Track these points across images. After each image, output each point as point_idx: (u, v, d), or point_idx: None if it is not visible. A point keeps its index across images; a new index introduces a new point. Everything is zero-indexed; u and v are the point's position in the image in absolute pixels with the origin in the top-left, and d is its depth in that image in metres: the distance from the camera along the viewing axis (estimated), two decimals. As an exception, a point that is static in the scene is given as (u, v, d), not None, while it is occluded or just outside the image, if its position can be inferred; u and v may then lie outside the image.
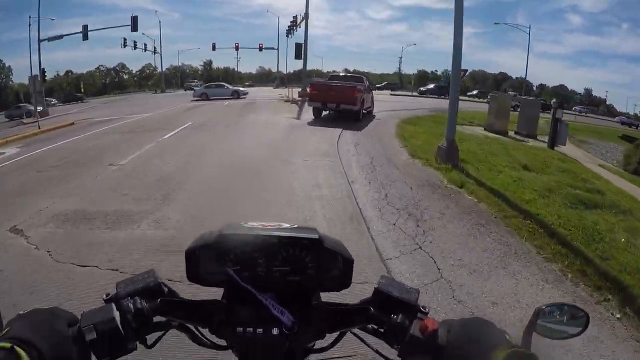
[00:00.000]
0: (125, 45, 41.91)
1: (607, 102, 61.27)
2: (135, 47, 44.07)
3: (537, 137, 13.02)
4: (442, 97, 34.67)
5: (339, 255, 0.63)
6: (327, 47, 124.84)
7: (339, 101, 12.26)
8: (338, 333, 0.65)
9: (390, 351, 0.59)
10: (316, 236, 0.62)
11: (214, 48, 41.42)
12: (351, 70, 70.36)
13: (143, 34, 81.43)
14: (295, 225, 0.65)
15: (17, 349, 0.45)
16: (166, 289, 0.61)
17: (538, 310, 0.58)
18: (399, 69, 64.85)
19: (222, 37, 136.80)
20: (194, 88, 31.58)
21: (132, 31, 30.55)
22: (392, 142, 9.45)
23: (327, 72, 72.69)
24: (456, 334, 0.54)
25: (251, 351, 0.59)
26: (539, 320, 0.58)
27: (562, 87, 63.26)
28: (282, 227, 0.64)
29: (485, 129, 13.33)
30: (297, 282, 0.63)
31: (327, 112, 13.86)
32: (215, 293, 0.63)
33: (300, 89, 22.21)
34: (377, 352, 0.63)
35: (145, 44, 47.48)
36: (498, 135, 12.34)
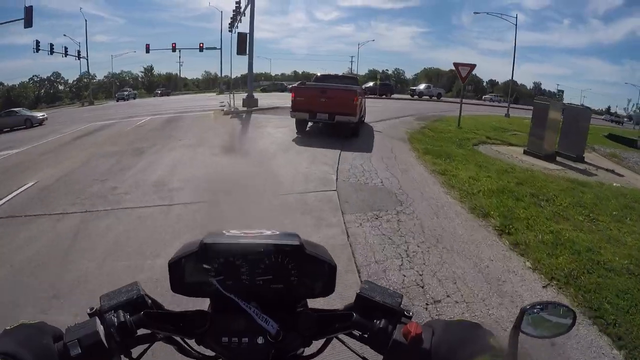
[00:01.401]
0: (37, 50, 34.61)
1: (557, 95, 60.70)
2: (51, 52, 36.63)
3: (585, 159, 8.66)
4: (384, 96, 30.43)
5: (321, 261, 0.60)
6: (275, 50, 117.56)
7: (333, 111, 8.64)
8: (325, 339, 0.63)
9: (378, 356, 0.56)
10: (297, 242, 0.59)
11: (147, 50, 34.65)
12: (300, 72, 65.41)
13: (65, 35, 72.72)
14: (277, 232, 0.62)
15: None
16: (150, 301, 0.60)
17: (523, 310, 0.55)
18: (350, 68, 60.03)
19: (167, 42, 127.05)
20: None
21: (25, 27, 23.71)
22: (496, 257, 3.47)
23: (276, 75, 67.38)
24: (440, 337, 0.52)
25: None
26: (525, 320, 0.55)
27: (512, 82, 61.38)
28: (263, 234, 0.61)
29: (526, 152, 8.75)
30: (281, 289, 0.61)
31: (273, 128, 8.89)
32: (203, 303, 0.60)
33: (244, 96, 16.63)
34: (363, 358, 0.62)
35: (65, 47, 40.02)
36: (559, 167, 7.79)
